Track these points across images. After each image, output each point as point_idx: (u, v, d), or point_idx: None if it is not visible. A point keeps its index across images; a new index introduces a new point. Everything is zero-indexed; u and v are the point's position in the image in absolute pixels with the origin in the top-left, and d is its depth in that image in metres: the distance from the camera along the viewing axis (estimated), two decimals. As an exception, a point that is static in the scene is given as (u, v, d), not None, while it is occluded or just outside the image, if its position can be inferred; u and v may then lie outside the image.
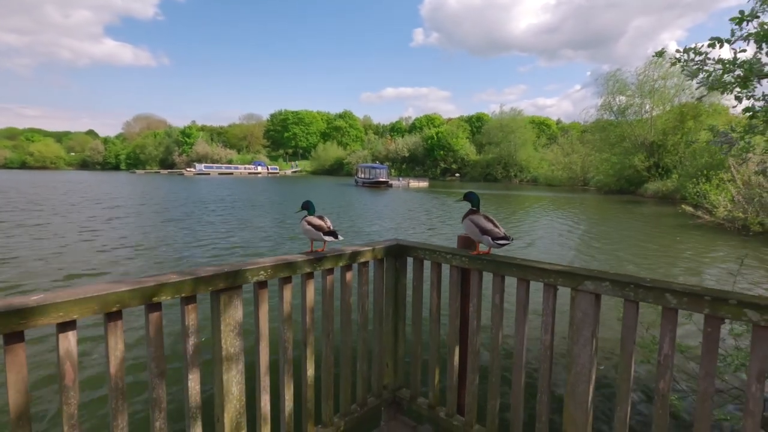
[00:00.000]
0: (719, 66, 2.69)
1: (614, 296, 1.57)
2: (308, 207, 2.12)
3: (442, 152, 70.25)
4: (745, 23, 2.53)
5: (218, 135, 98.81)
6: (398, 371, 2.46)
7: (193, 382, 1.53)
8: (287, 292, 1.84)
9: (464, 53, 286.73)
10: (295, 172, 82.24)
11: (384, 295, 2.34)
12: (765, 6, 2.49)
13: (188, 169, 74.74)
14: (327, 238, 1.99)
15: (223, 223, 13.82)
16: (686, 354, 2.86)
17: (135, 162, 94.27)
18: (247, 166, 78.93)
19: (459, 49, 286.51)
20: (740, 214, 13.28)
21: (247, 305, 1.69)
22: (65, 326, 1.21)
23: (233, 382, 1.64)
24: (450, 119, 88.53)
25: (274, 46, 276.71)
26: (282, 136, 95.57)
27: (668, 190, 27.16)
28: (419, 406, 2.33)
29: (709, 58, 2.77)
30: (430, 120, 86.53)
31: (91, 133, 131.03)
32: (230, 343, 1.62)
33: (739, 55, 2.62)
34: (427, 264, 2.28)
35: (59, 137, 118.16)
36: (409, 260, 2.37)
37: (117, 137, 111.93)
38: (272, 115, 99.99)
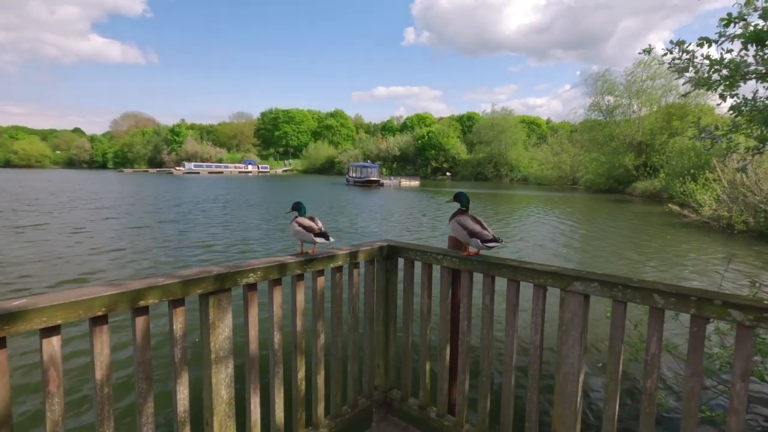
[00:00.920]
0: (707, 61, 2.77)
1: (603, 297, 1.59)
2: (299, 208, 2.09)
3: (433, 151, 70.33)
4: (732, 24, 2.59)
5: (208, 133, 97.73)
6: (389, 372, 2.46)
7: (182, 386, 1.51)
8: (277, 294, 1.82)
9: (455, 53, 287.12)
10: (286, 171, 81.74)
11: (375, 296, 2.33)
12: (752, 9, 2.55)
13: (177, 168, 73.78)
14: (318, 239, 1.96)
15: (214, 224, 13.69)
16: (673, 353, 2.91)
17: (123, 161, 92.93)
18: (237, 165, 78.31)
19: (450, 49, 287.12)
20: (725, 213, 13.55)
21: (236, 308, 1.67)
22: (49, 331, 1.18)
23: (222, 385, 1.62)
24: (441, 118, 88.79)
25: (265, 44, 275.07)
26: (272, 134, 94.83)
27: (656, 190, 27.56)
28: (410, 406, 2.33)
29: (696, 57, 2.86)
30: (422, 119, 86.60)
31: (77, 131, 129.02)
32: (219, 346, 1.60)
33: (725, 55, 2.70)
34: (417, 265, 2.28)
35: (45, 135, 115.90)
36: (400, 261, 2.37)
37: (104, 135, 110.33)
38: (263, 114, 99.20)
